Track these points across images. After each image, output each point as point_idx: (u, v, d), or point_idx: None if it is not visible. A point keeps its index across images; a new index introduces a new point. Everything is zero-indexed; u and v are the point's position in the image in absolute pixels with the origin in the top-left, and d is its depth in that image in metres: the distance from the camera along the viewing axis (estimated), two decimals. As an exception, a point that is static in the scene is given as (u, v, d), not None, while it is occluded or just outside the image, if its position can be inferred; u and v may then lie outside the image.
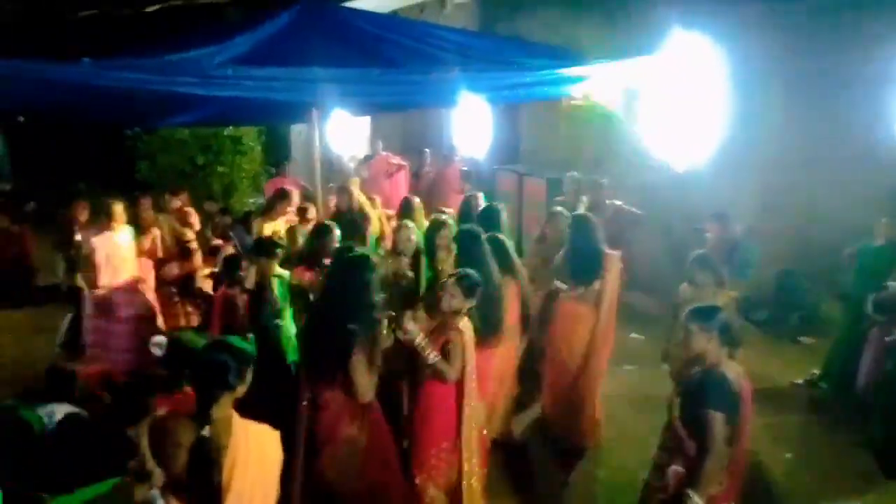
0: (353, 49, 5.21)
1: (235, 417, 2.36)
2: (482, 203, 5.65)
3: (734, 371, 2.90)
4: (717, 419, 2.72)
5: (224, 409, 2.34)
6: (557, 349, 4.70)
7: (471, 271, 3.55)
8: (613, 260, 4.60)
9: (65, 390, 3.80)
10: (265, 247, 4.63)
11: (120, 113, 5.69)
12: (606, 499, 4.26)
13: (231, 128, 10.31)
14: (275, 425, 2.48)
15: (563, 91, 5.98)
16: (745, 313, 6.86)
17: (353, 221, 5.80)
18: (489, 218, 4.99)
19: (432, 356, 3.34)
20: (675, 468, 2.88)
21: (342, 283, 3.42)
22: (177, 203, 7.22)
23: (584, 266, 4.56)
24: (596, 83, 5.66)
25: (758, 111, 6.25)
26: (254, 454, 2.33)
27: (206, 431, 2.28)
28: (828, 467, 4.51)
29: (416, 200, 5.91)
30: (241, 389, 2.38)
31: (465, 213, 5.47)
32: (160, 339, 2.77)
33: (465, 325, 3.48)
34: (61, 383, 3.87)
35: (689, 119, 5.36)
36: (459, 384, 3.44)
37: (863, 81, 5.85)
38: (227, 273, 4.70)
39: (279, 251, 4.62)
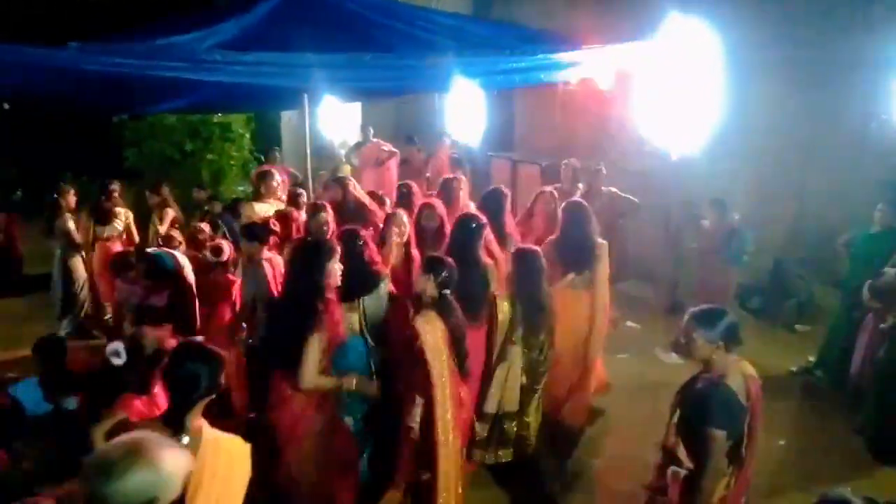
0: (344, 33, 5.13)
1: (206, 428, 2.28)
2: (464, 186, 5.60)
3: (742, 375, 2.76)
4: (719, 437, 2.63)
5: (197, 416, 2.26)
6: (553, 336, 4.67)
7: (442, 258, 3.48)
8: (604, 249, 4.57)
9: (55, 361, 3.76)
10: (255, 231, 4.58)
11: (107, 99, 5.57)
12: (601, 485, 4.25)
13: (220, 115, 10.18)
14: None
15: (557, 76, 5.92)
16: (741, 301, 6.88)
17: (352, 212, 5.68)
18: (493, 201, 4.94)
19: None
20: (674, 469, 2.83)
21: (300, 267, 3.40)
22: (155, 199, 7.17)
23: (576, 254, 4.52)
24: (591, 69, 5.61)
25: (753, 98, 6.22)
26: (221, 469, 2.22)
27: (185, 441, 2.17)
28: (821, 453, 4.53)
29: (415, 187, 5.83)
30: (213, 394, 2.30)
31: (445, 197, 5.43)
32: (117, 346, 2.62)
33: (431, 317, 3.33)
34: (51, 354, 3.80)
35: (684, 105, 5.33)
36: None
37: (858, 69, 5.83)
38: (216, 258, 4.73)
39: (269, 236, 4.59)
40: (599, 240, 4.60)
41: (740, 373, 2.76)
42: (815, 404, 5.26)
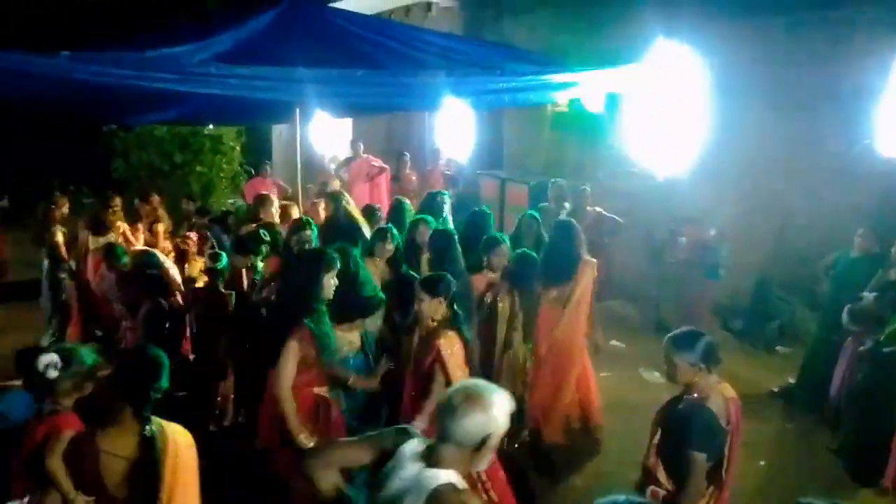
0: (337, 50, 5.18)
1: (161, 422, 2.47)
2: (447, 201, 5.69)
3: (723, 398, 2.79)
4: (699, 460, 2.65)
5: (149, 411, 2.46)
6: (536, 350, 4.72)
7: (441, 274, 3.51)
8: (589, 266, 4.63)
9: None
10: (245, 244, 4.61)
11: (97, 108, 5.59)
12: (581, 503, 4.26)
13: (210, 127, 10.20)
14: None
15: (546, 97, 6.01)
16: (723, 322, 6.95)
17: (343, 228, 5.68)
18: (479, 222, 5.03)
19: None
20: (653, 488, 2.85)
21: (294, 275, 3.48)
22: (146, 209, 7.16)
23: (558, 268, 4.59)
24: (580, 90, 5.69)
25: (737, 121, 6.34)
26: (186, 454, 2.47)
27: (149, 431, 2.38)
28: (800, 474, 4.56)
29: (408, 202, 5.88)
30: (161, 393, 2.49)
31: (427, 209, 5.48)
32: (52, 358, 2.62)
33: (451, 337, 3.35)
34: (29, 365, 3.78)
35: (670, 127, 5.44)
36: None
37: (839, 94, 5.96)
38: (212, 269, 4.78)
39: (262, 248, 4.63)
40: (586, 256, 4.67)
41: (721, 395, 2.79)
42: (794, 426, 5.30)
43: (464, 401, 1.94)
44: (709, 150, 5.45)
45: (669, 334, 2.89)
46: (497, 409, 1.95)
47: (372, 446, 2.12)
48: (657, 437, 2.91)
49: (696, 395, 2.77)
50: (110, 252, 5.37)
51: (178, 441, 2.47)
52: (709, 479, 2.76)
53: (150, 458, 2.37)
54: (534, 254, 4.58)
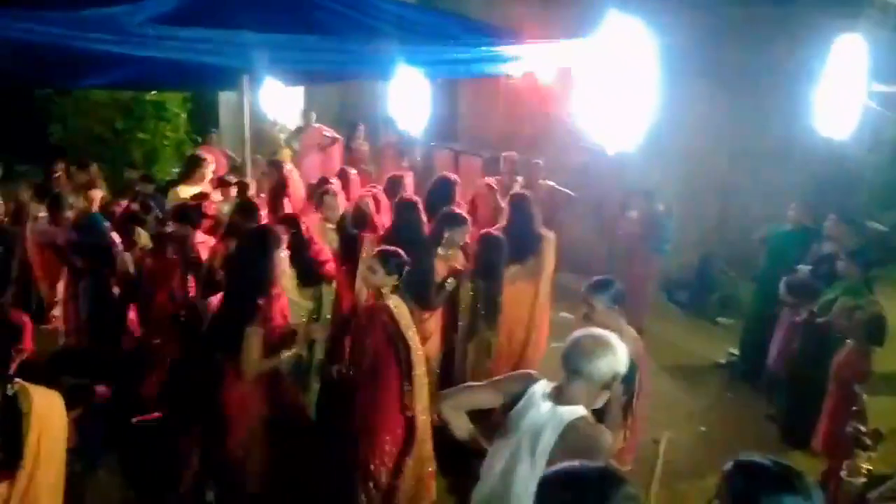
0: (286, 14, 5.00)
1: (25, 384, 2.45)
2: (409, 184, 5.61)
3: (631, 338, 3.05)
4: (616, 394, 2.80)
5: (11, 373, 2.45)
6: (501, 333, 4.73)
7: (394, 250, 3.48)
8: (549, 240, 4.67)
9: None
10: (186, 214, 4.46)
11: (28, 70, 5.26)
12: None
13: (154, 93, 9.78)
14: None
15: (500, 69, 5.96)
16: (668, 294, 7.16)
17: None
18: (441, 191, 4.95)
19: None
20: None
21: (246, 256, 3.40)
22: (84, 177, 6.85)
23: (520, 246, 4.59)
24: (533, 63, 5.67)
25: (684, 99, 6.43)
26: (55, 416, 2.48)
27: (10, 390, 2.36)
28: (737, 439, 4.78)
29: (353, 172, 5.79)
30: (23, 356, 2.50)
31: (393, 193, 5.39)
32: None
33: (400, 306, 3.41)
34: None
35: (620, 102, 5.47)
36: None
37: (785, 76, 6.12)
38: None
39: (201, 218, 4.50)
40: (545, 231, 4.70)
41: (629, 335, 3.04)
42: (733, 394, 5.54)
43: (594, 344, 2.18)
44: (656, 126, 5.50)
45: (586, 281, 3.22)
46: (622, 351, 2.21)
47: (500, 389, 2.35)
48: None
49: None
50: (55, 202, 5.12)
51: (45, 405, 2.45)
52: (623, 413, 2.96)
53: (8, 420, 2.35)
54: (499, 235, 4.41)
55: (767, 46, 6.29)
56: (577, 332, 2.29)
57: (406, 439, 3.43)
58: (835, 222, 5.25)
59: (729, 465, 1.66)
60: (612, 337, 2.23)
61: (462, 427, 2.42)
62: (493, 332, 4.37)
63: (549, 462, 2.02)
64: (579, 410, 2.15)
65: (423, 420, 3.45)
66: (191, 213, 4.55)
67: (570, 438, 2.09)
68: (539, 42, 5.38)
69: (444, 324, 4.39)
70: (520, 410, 2.23)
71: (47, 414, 2.45)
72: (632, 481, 1.55)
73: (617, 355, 2.19)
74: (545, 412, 2.17)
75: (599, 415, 2.79)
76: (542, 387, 2.25)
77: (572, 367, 2.18)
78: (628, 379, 2.85)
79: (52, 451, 2.47)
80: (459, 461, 3.53)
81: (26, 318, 2.60)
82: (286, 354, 3.35)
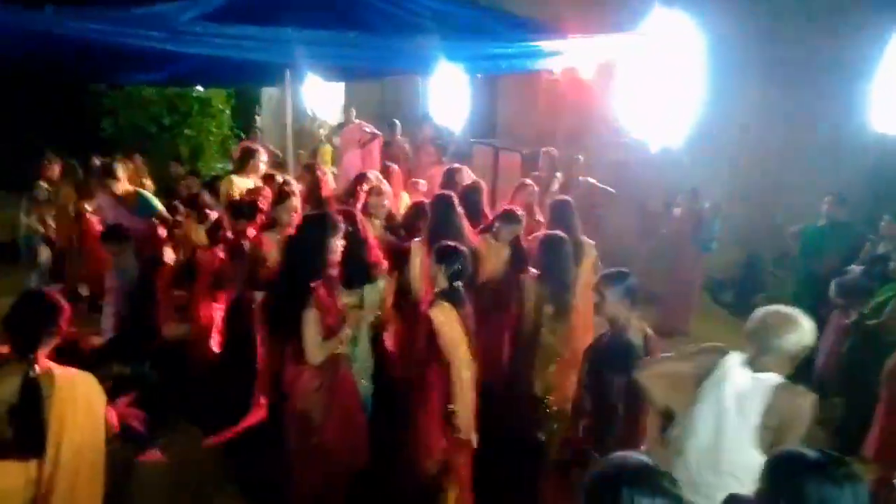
0: (329, 11, 5.06)
1: (55, 367, 2.45)
2: (467, 177, 5.57)
3: (643, 332, 3.04)
4: (616, 383, 2.84)
5: (42, 356, 2.45)
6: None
7: (455, 247, 3.42)
8: (589, 248, 4.58)
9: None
10: (242, 209, 4.57)
11: (82, 66, 5.44)
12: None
13: (199, 89, 10.01)
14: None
15: (541, 64, 5.90)
16: (713, 295, 7.01)
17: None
18: (470, 195, 4.93)
19: None
20: (588, 423, 3.02)
21: (300, 242, 3.44)
22: (129, 168, 7.06)
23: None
24: (575, 58, 5.61)
25: (733, 94, 6.29)
26: (81, 401, 2.45)
27: (33, 372, 2.37)
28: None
29: (395, 168, 5.83)
30: (57, 339, 2.52)
31: (446, 186, 5.39)
32: None
33: (446, 313, 3.28)
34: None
35: (665, 99, 5.38)
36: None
37: (837, 71, 5.92)
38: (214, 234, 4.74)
39: (257, 214, 4.59)
40: (586, 239, 4.61)
41: (641, 330, 3.06)
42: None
43: (781, 321, 2.42)
44: (703, 122, 5.41)
45: (602, 272, 3.19)
46: (807, 324, 2.42)
47: (694, 360, 2.61)
48: (584, 371, 3.11)
49: (617, 328, 3.02)
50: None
51: (68, 389, 2.44)
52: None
53: (30, 402, 2.37)
54: (562, 235, 4.11)
55: (820, 41, 6.08)
56: (762, 310, 2.51)
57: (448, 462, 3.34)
58: (889, 222, 5.07)
59: (771, 453, 1.74)
60: (795, 312, 2.44)
61: (659, 395, 2.67)
62: (559, 339, 4.05)
63: (762, 422, 2.37)
64: (777, 378, 2.42)
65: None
66: (246, 208, 4.65)
67: (778, 401, 2.38)
68: (580, 36, 5.31)
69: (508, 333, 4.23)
70: (716, 379, 2.49)
71: (70, 398, 2.44)
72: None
73: (804, 330, 2.40)
74: (746, 380, 2.45)
75: (599, 406, 2.88)
76: (734, 359, 2.50)
77: (762, 343, 2.43)
78: (633, 369, 2.85)
79: (79, 438, 2.44)
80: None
81: (63, 303, 2.58)
82: (344, 334, 3.38)
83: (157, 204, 5.81)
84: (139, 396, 3.81)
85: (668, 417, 2.73)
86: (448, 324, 3.23)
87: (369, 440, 3.65)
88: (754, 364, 2.47)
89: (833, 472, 1.60)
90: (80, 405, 2.47)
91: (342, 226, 3.45)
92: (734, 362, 2.50)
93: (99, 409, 2.54)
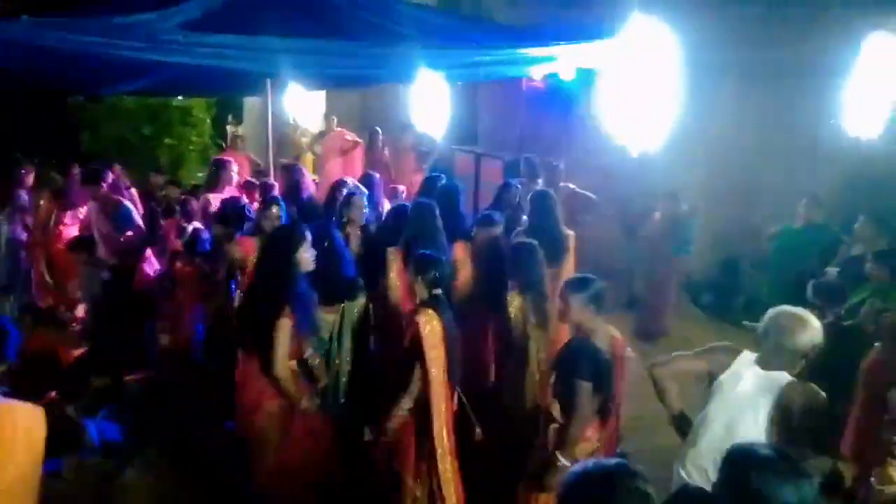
0: (309, 19, 5.08)
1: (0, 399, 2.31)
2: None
3: (610, 337, 3.09)
4: (584, 388, 2.85)
5: None
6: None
7: (432, 256, 3.44)
8: (571, 239, 4.65)
9: None
10: (228, 217, 4.56)
11: (61, 77, 5.40)
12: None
13: (180, 99, 9.96)
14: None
15: (522, 71, 5.98)
16: (692, 297, 7.08)
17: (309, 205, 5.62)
18: (448, 196, 4.95)
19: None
20: (554, 426, 3.01)
21: (271, 254, 3.43)
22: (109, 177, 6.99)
23: (551, 246, 4.50)
24: (555, 65, 5.67)
25: (709, 99, 6.37)
26: (20, 435, 2.28)
27: None
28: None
29: (377, 176, 5.85)
30: (3, 368, 2.39)
31: (426, 193, 5.41)
32: None
33: (430, 314, 3.31)
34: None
35: (644, 103, 5.43)
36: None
37: (812, 75, 6.03)
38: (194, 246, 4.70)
39: (243, 222, 4.60)
40: (567, 230, 4.68)
41: (608, 335, 3.12)
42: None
43: (791, 321, 2.56)
44: (681, 126, 5.47)
45: (568, 278, 3.24)
46: (816, 324, 2.57)
47: (707, 358, 2.77)
48: (553, 377, 3.10)
49: (583, 333, 3.05)
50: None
51: (9, 421, 2.28)
52: (599, 412, 2.97)
53: None
54: (532, 242, 4.08)
55: (795, 45, 6.20)
56: (774, 311, 2.64)
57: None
58: (863, 223, 5.16)
59: (728, 448, 1.82)
60: (805, 312, 2.60)
61: (672, 392, 2.83)
62: (541, 347, 3.98)
63: (774, 416, 2.52)
64: (788, 375, 2.56)
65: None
66: (232, 215, 4.64)
67: (789, 397, 2.52)
68: (560, 44, 5.37)
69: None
70: (730, 376, 2.65)
71: (13, 431, 2.27)
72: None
73: (813, 329, 2.55)
74: (759, 377, 2.59)
75: (567, 408, 2.89)
76: (747, 356, 2.66)
77: (774, 342, 2.58)
78: (600, 373, 2.92)
79: (14, 472, 2.27)
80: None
81: (9, 329, 2.45)
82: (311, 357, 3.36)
83: (137, 216, 5.76)
84: (119, 409, 3.77)
85: (680, 421, 2.86)
86: (433, 331, 3.26)
87: (345, 445, 3.65)
88: (766, 363, 2.60)
89: (779, 468, 1.69)
90: (20, 440, 2.30)
91: (308, 237, 3.42)
92: (747, 361, 2.65)
93: (39, 444, 2.36)
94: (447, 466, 3.35)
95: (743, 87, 6.47)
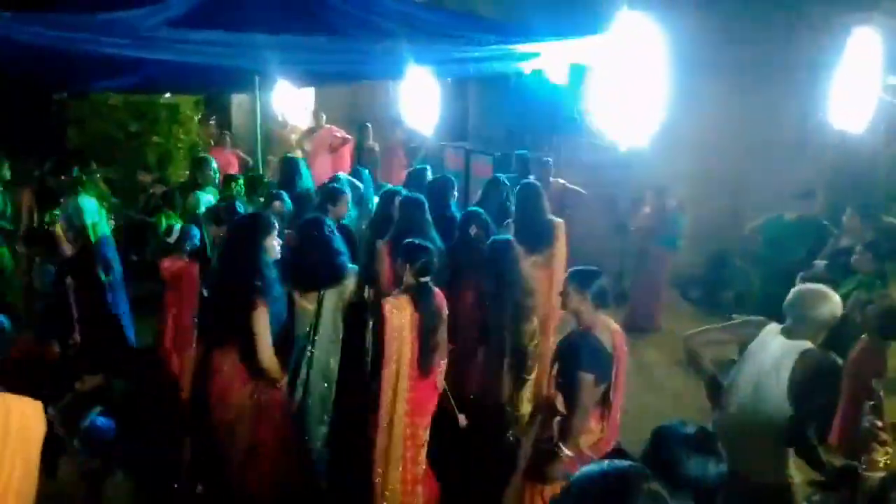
0: (296, 15, 5.05)
1: None
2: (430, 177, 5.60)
3: (608, 329, 3.11)
4: (585, 379, 2.89)
5: None
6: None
7: (422, 244, 3.43)
8: (560, 227, 4.67)
9: None
10: (219, 215, 4.54)
11: (44, 74, 5.35)
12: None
13: (167, 96, 9.86)
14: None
15: (511, 67, 5.96)
16: (682, 291, 7.12)
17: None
18: (440, 189, 4.94)
19: None
20: (558, 418, 3.05)
21: (235, 243, 3.37)
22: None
23: (535, 235, 4.56)
24: (544, 60, 5.67)
25: (696, 94, 6.39)
26: (14, 427, 2.26)
27: None
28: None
29: (366, 172, 5.84)
30: None
31: (412, 187, 5.40)
32: None
33: (400, 307, 3.30)
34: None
35: (632, 99, 5.45)
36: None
37: (798, 70, 6.07)
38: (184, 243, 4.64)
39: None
40: (555, 218, 4.70)
41: (607, 327, 3.12)
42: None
43: (814, 296, 2.88)
44: (669, 122, 5.49)
45: (571, 269, 3.23)
46: (836, 298, 2.87)
47: (737, 331, 3.17)
48: (555, 369, 3.16)
49: (582, 326, 3.07)
50: None
51: (11, 420, 2.26)
52: (601, 403, 3.06)
53: None
54: (509, 239, 4.04)
55: (781, 41, 6.25)
56: (798, 287, 2.99)
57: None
58: (850, 216, 5.21)
59: (652, 434, 1.92)
60: (826, 288, 2.89)
61: (706, 358, 3.13)
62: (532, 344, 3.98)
63: (793, 380, 2.78)
64: (808, 344, 2.84)
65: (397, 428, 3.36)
66: (224, 213, 4.61)
67: (807, 362, 2.79)
68: (549, 39, 5.37)
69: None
70: (757, 345, 2.95)
71: (15, 425, 2.25)
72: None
73: (834, 302, 2.85)
74: (779, 345, 2.88)
75: (570, 402, 2.94)
76: (772, 328, 2.96)
77: (797, 314, 2.88)
78: (601, 365, 2.97)
79: (9, 469, 2.24)
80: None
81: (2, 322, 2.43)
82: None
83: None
84: (108, 408, 3.74)
85: (712, 384, 3.11)
86: (396, 316, 3.26)
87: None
88: (790, 333, 2.89)
89: (692, 443, 1.84)
90: (13, 434, 2.27)
91: (275, 224, 3.38)
92: (773, 331, 2.95)
93: (36, 440, 2.34)
94: (420, 458, 3.41)
95: (730, 82, 6.50)
